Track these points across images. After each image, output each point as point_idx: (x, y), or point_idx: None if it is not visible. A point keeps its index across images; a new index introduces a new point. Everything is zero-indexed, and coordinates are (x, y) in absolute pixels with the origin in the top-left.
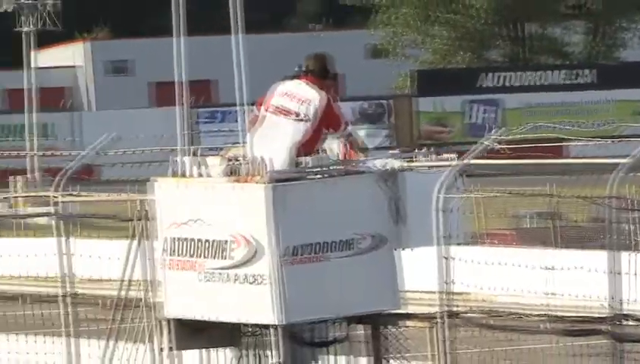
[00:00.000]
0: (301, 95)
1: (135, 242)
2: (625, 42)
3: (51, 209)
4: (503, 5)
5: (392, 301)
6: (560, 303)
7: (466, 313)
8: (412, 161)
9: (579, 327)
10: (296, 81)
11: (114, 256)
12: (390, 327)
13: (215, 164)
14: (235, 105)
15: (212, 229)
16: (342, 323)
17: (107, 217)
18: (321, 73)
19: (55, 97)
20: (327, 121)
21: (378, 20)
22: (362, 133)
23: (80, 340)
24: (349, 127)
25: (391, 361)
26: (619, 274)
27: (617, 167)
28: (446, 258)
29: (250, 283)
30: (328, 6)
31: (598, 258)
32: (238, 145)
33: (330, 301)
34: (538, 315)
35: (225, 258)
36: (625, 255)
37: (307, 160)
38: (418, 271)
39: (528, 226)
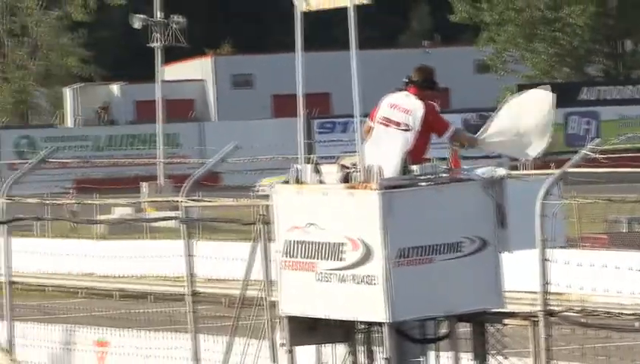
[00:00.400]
0: (405, 106)
1: (255, 244)
2: None
3: (178, 214)
4: (602, 24)
5: (496, 301)
6: None
7: (564, 312)
8: (515, 170)
9: None
10: (401, 93)
11: (234, 258)
12: (492, 325)
13: (331, 171)
14: (349, 116)
15: (327, 232)
16: (447, 321)
17: (229, 221)
18: (422, 84)
19: (182, 108)
20: (430, 128)
21: (485, 37)
22: None
23: (203, 336)
24: (452, 128)
25: (492, 357)
26: None
27: None
28: (546, 261)
29: (362, 283)
30: (439, 24)
31: None
32: (352, 154)
33: (437, 300)
34: (633, 314)
35: (339, 260)
36: None
37: (416, 168)
38: (517, 272)
39: (624, 231)
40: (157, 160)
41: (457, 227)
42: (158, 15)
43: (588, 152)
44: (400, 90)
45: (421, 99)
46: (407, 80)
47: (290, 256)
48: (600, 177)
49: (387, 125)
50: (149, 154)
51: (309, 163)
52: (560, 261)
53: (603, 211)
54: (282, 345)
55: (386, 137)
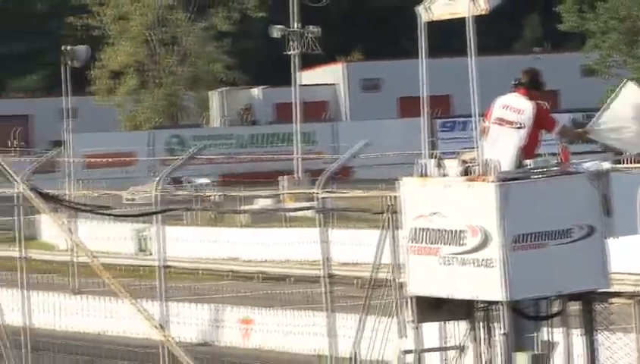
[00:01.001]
0: (516, 106)
1: (384, 231)
2: None
3: (314, 204)
4: None
5: (603, 282)
6: None
7: None
8: (619, 164)
9: None
10: (512, 94)
11: (365, 244)
12: (599, 303)
13: (452, 166)
14: (468, 116)
15: (449, 220)
16: (559, 300)
17: (360, 210)
18: (530, 85)
19: (317, 110)
20: (540, 125)
21: (591, 44)
22: None
23: (337, 314)
24: (560, 124)
25: (599, 333)
26: None
27: None
28: None
29: (481, 266)
30: (549, 32)
31: None
32: (471, 150)
33: (549, 281)
34: None
35: (460, 245)
36: None
37: (529, 162)
38: (621, 256)
39: None
40: (295, 156)
41: (567, 215)
42: (295, 26)
43: None
44: (510, 92)
45: (530, 99)
46: (516, 82)
47: (415, 242)
48: None
49: (501, 124)
50: (287, 151)
51: (432, 158)
52: None
53: None
54: (409, 322)
55: (501, 135)
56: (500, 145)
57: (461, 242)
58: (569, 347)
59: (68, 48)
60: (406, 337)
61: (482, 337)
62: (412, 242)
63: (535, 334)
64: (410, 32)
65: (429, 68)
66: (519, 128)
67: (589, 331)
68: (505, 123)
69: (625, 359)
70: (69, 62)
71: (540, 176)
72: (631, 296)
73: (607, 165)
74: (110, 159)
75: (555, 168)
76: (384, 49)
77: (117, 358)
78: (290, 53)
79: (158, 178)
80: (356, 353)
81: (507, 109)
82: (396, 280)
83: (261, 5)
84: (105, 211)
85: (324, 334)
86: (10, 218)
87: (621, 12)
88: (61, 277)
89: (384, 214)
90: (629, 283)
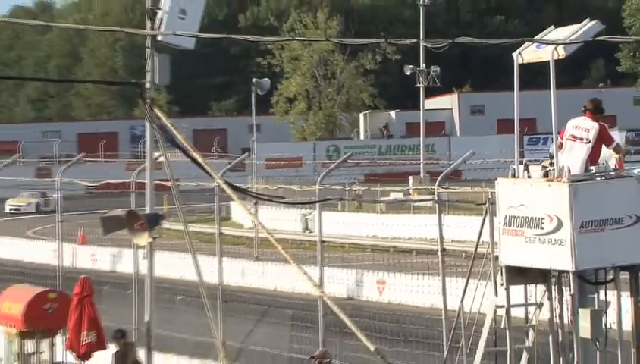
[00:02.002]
0: (584, 126)
1: (484, 217)
2: None
3: (433, 197)
4: None
5: None
6: None
7: None
8: None
9: None
10: (581, 117)
11: (469, 226)
12: None
13: (536, 170)
14: (549, 133)
15: (532, 210)
16: (612, 270)
17: (467, 202)
18: (594, 110)
19: (437, 128)
20: (601, 140)
21: None
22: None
23: (448, 278)
24: (615, 141)
25: None
26: None
27: None
28: None
29: (556, 244)
30: (610, 72)
31: None
32: (550, 159)
33: (606, 256)
34: None
35: (540, 228)
36: None
37: (593, 168)
38: None
39: None
40: (420, 161)
41: (620, 207)
42: (422, 66)
43: None
44: (580, 116)
45: (594, 121)
46: (584, 108)
47: (507, 226)
48: None
49: (573, 140)
50: (414, 158)
51: (521, 164)
52: None
53: None
54: (501, 284)
55: (573, 149)
56: (573, 157)
57: (541, 226)
58: (619, 306)
59: (255, 80)
60: (498, 295)
61: (555, 296)
62: (505, 225)
63: (594, 295)
64: (507, 71)
65: (520, 98)
66: (587, 143)
67: (635, 293)
68: (577, 140)
69: None
70: (256, 91)
71: (600, 178)
72: None
73: None
74: (284, 162)
75: (612, 173)
76: (487, 83)
77: (286, 308)
78: (418, 85)
79: (319, 177)
80: (461, 307)
81: (578, 129)
82: (492, 254)
83: (397, 50)
84: (279, 200)
85: (439, 292)
86: (211, 204)
87: None
88: (246, 248)
89: (485, 205)
90: None
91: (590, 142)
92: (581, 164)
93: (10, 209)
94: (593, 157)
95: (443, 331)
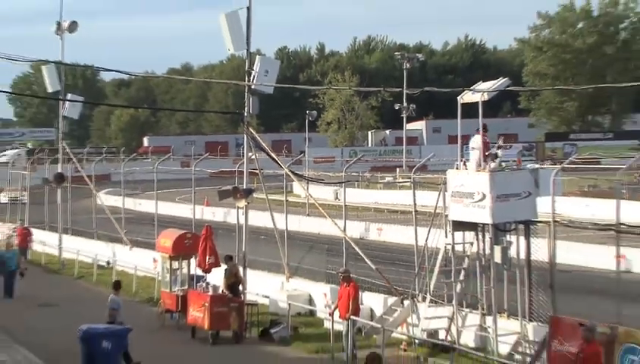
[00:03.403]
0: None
1: (439, 192)
2: None
3: (411, 179)
4: None
5: (533, 215)
6: None
7: None
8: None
9: None
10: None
11: (431, 197)
12: (532, 225)
13: (470, 165)
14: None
15: (468, 188)
16: (514, 223)
17: (430, 183)
18: (484, 129)
19: (413, 140)
20: (486, 149)
21: (533, 114)
22: None
23: (418, 227)
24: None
25: (532, 238)
26: None
27: None
28: None
29: (481, 208)
30: (514, 107)
31: None
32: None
33: (511, 215)
34: None
35: (472, 199)
36: None
37: (504, 164)
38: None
39: None
40: (403, 160)
41: (519, 187)
42: (405, 104)
43: None
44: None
45: (482, 135)
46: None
47: (453, 197)
48: None
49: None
50: (400, 157)
51: (461, 162)
52: None
53: None
54: (449, 231)
55: (474, 154)
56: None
57: (473, 197)
58: (517, 243)
59: (308, 111)
60: (447, 237)
61: (480, 238)
62: (452, 197)
63: (504, 237)
64: (455, 107)
65: (462, 123)
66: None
67: (527, 237)
68: (476, 149)
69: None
70: (309, 118)
71: (508, 170)
72: (546, 222)
73: (536, 166)
74: (323, 159)
75: (515, 166)
76: (443, 114)
77: (324, 243)
78: (402, 115)
79: (344, 168)
80: (425, 244)
81: (473, 143)
82: (444, 213)
83: (390, 95)
84: (320, 181)
85: (413, 235)
86: (281, 184)
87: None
88: (301, 209)
89: (440, 185)
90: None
91: (479, 150)
92: (477, 162)
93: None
94: (486, 158)
95: (415, 259)
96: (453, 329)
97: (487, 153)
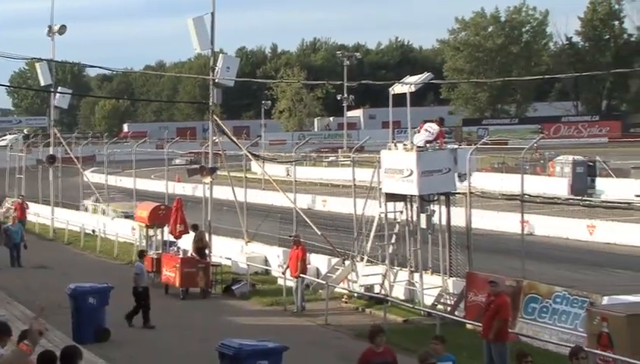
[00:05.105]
0: (433, 128)
1: (376, 169)
2: None
3: (351, 159)
4: None
5: (453, 188)
6: None
7: None
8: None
9: None
10: (432, 123)
11: (368, 173)
12: (452, 195)
13: (400, 146)
14: (406, 128)
15: (399, 165)
16: (437, 195)
17: (367, 161)
18: (440, 121)
19: (353, 126)
20: (438, 136)
21: (453, 103)
22: None
23: (358, 199)
24: (441, 140)
25: (452, 207)
26: None
27: None
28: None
29: (410, 182)
30: (436, 97)
31: None
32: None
33: (434, 187)
34: None
35: (402, 174)
36: None
37: (428, 145)
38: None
39: None
40: (344, 142)
41: (441, 164)
42: (345, 95)
43: None
44: (429, 122)
45: (438, 126)
46: (437, 119)
47: (387, 173)
48: None
49: (425, 131)
50: (341, 140)
51: (393, 143)
52: None
53: None
54: (383, 202)
55: (422, 135)
56: (422, 138)
57: (402, 173)
58: (440, 212)
59: (264, 102)
60: (381, 207)
61: (409, 207)
62: (386, 172)
63: (428, 207)
64: (387, 97)
65: (393, 111)
66: (431, 134)
67: (447, 207)
68: (427, 131)
69: (460, 218)
70: (264, 107)
71: (432, 149)
72: (463, 193)
73: (455, 146)
74: (278, 141)
75: (438, 147)
76: (378, 103)
77: (277, 213)
78: (343, 104)
79: (294, 149)
80: (363, 213)
81: (430, 127)
82: (379, 186)
83: (333, 87)
84: (274, 159)
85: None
86: (241, 163)
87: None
88: (258, 184)
89: (376, 163)
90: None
91: (433, 135)
92: (424, 143)
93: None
94: (431, 141)
95: (354, 225)
96: (387, 284)
97: (438, 140)
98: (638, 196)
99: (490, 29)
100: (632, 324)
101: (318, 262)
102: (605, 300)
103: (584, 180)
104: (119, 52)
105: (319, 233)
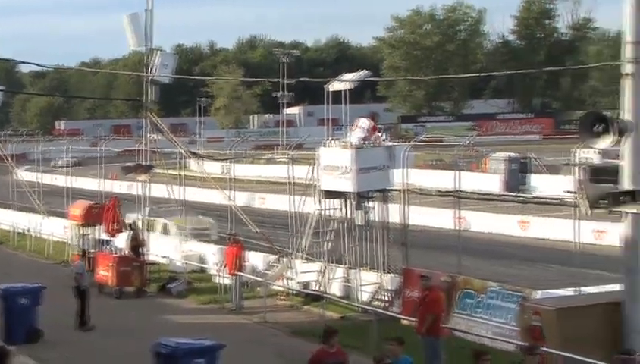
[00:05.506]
0: (367, 124)
1: (314, 166)
2: None
3: (289, 156)
4: None
5: (388, 184)
6: None
7: None
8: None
9: None
10: (367, 119)
11: (305, 171)
12: (388, 192)
13: (336, 144)
14: (343, 125)
15: (336, 162)
16: (375, 192)
17: (305, 158)
18: (372, 120)
19: (291, 123)
20: (372, 131)
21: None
22: None
23: (296, 197)
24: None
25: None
26: None
27: None
28: None
29: (347, 179)
30: (373, 94)
31: None
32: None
33: (372, 184)
34: None
35: (340, 171)
36: None
37: (365, 142)
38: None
39: None
40: (280, 139)
41: (378, 161)
42: (282, 92)
43: None
44: (364, 118)
45: (370, 122)
46: (372, 117)
47: (325, 169)
48: None
49: (360, 128)
50: (278, 137)
51: (330, 140)
52: None
53: None
54: (321, 198)
55: (357, 132)
56: (357, 135)
57: (340, 170)
58: (377, 208)
59: (200, 99)
60: (318, 204)
61: (346, 204)
62: (324, 169)
63: (364, 203)
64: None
65: (332, 108)
66: (366, 132)
67: (383, 202)
68: (360, 129)
69: (397, 214)
70: (201, 105)
71: (369, 147)
72: (400, 190)
73: (392, 143)
74: (215, 139)
75: (375, 145)
76: (315, 100)
77: (214, 210)
78: (281, 102)
79: (231, 146)
80: (301, 210)
81: (364, 124)
82: (317, 183)
83: (271, 84)
84: (211, 157)
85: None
86: (176, 160)
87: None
88: (196, 181)
89: (315, 160)
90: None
91: (367, 131)
92: (360, 140)
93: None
94: (366, 138)
95: (289, 223)
96: (324, 281)
97: (371, 137)
98: (567, 192)
99: (426, 28)
100: (561, 318)
101: (256, 259)
102: (538, 294)
103: (517, 176)
104: (53, 49)
105: (257, 230)
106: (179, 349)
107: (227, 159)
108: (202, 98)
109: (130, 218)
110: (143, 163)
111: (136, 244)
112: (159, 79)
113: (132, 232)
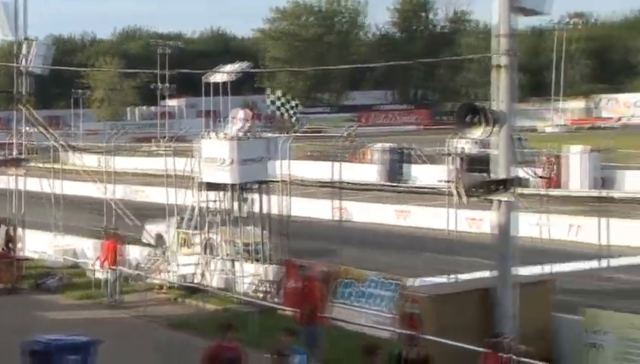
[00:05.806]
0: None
1: (194, 158)
2: None
3: (171, 149)
4: None
5: (265, 176)
6: None
7: None
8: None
9: None
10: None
11: (185, 163)
12: (266, 184)
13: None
14: (225, 117)
15: (218, 153)
16: (255, 183)
17: (185, 151)
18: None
19: (172, 115)
20: None
21: None
22: None
23: (179, 189)
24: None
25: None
26: None
27: None
28: None
29: (229, 171)
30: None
31: None
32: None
33: (252, 176)
34: None
35: (222, 163)
36: None
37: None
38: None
39: None
40: (157, 131)
41: (258, 152)
42: (161, 84)
43: None
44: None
45: (250, 110)
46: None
47: (206, 162)
48: None
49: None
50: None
51: (214, 133)
52: None
53: None
54: (202, 189)
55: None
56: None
57: (222, 162)
58: (260, 199)
59: (75, 90)
60: (193, 196)
61: (237, 197)
62: (205, 161)
63: (246, 195)
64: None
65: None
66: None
67: (265, 194)
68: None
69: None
70: (77, 96)
71: (248, 138)
72: (280, 181)
73: (271, 135)
74: (92, 131)
75: (255, 137)
76: (198, 93)
77: (87, 203)
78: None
79: (110, 138)
80: (185, 202)
81: (242, 114)
82: (199, 175)
83: (151, 75)
84: (86, 150)
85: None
86: (56, 153)
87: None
88: (75, 175)
89: (194, 152)
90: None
91: (248, 121)
92: (241, 132)
93: None
94: (247, 129)
95: (166, 214)
96: (205, 273)
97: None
98: (440, 181)
99: (305, 19)
100: (436, 304)
101: (135, 253)
102: (417, 282)
103: (396, 167)
104: None
105: (139, 224)
106: (51, 346)
107: (104, 152)
108: (79, 91)
109: (151, 230)
110: (15, 156)
111: (8, 240)
112: (34, 70)
113: (6, 228)
